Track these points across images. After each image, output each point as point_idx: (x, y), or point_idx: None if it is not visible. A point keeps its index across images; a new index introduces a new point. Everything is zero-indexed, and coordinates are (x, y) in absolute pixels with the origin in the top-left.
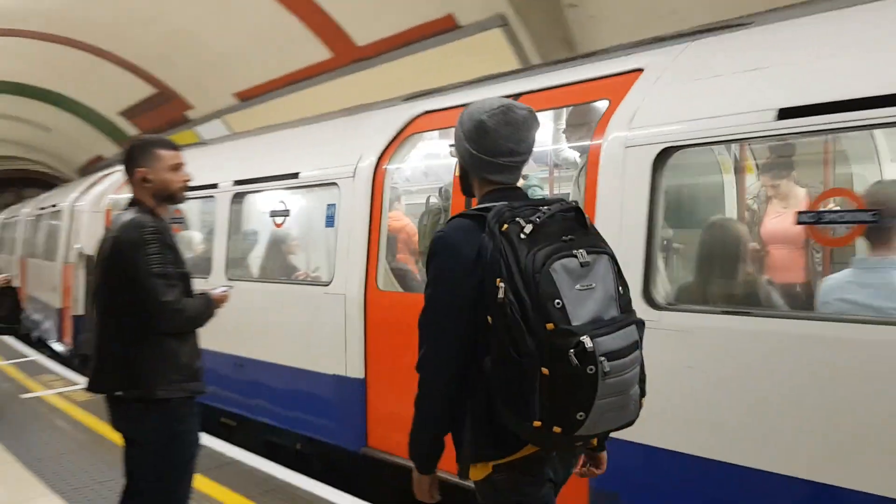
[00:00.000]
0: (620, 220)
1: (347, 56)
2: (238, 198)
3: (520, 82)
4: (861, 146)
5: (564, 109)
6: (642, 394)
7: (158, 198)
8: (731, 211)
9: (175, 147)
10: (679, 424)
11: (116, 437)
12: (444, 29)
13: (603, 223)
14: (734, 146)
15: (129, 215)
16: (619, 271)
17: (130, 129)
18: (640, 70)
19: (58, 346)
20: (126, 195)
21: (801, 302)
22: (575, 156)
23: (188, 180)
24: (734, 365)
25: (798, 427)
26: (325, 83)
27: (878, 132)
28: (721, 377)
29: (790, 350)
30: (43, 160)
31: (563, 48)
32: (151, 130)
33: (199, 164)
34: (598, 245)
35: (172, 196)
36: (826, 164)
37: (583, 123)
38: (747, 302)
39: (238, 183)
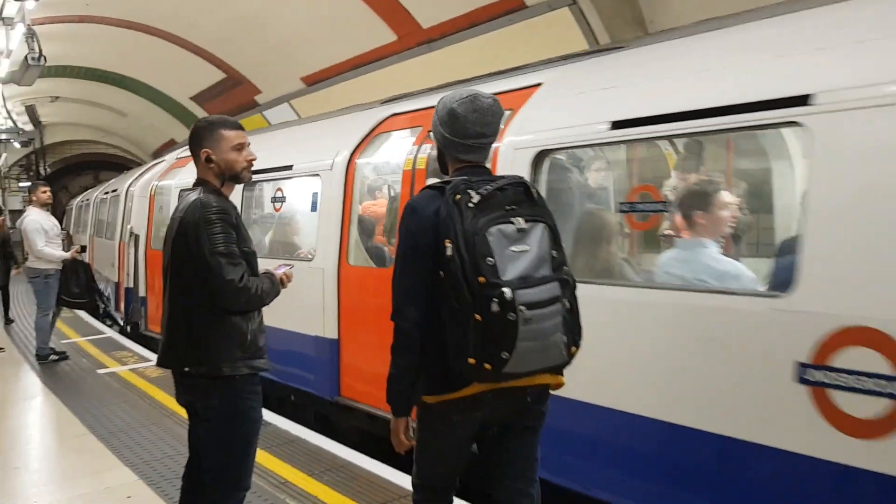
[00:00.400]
0: None
1: (412, 39)
2: (248, 186)
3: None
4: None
5: None
6: (572, 343)
7: (223, 178)
8: (597, 202)
9: (239, 127)
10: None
11: (185, 413)
12: (511, 9)
13: None
14: (594, 149)
15: (194, 195)
16: (555, 238)
17: (201, 114)
18: (539, 84)
19: (116, 315)
20: (172, 180)
21: (642, 275)
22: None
23: (253, 160)
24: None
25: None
26: (390, 66)
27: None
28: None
29: (631, 313)
30: (119, 144)
31: (633, 27)
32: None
33: None
34: (537, 215)
35: (237, 176)
36: (648, 164)
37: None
38: (605, 275)
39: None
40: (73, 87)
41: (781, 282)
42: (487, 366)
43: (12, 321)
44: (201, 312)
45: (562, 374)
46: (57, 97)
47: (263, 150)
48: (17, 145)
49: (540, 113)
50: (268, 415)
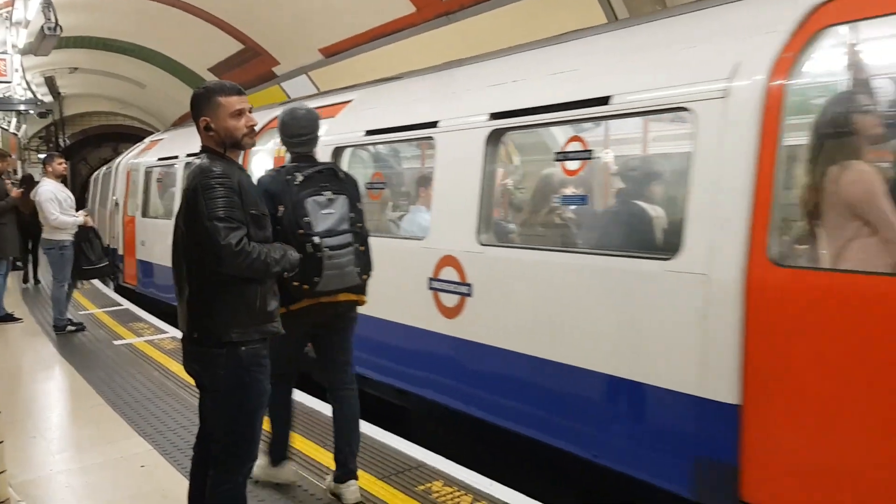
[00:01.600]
0: None
1: (431, 10)
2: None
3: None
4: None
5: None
6: (363, 272)
7: (224, 145)
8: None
9: (238, 92)
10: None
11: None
12: None
13: None
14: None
15: (197, 162)
16: (353, 205)
17: None
18: (350, 101)
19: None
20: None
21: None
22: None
23: (253, 125)
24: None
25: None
26: (409, 38)
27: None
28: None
29: (385, 252)
30: (138, 115)
31: (652, 2)
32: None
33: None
34: (342, 189)
35: (237, 143)
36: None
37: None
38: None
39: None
40: (91, 58)
41: (423, 231)
42: (306, 287)
43: (39, 282)
44: (208, 278)
45: (363, 295)
46: (76, 68)
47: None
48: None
49: (341, 122)
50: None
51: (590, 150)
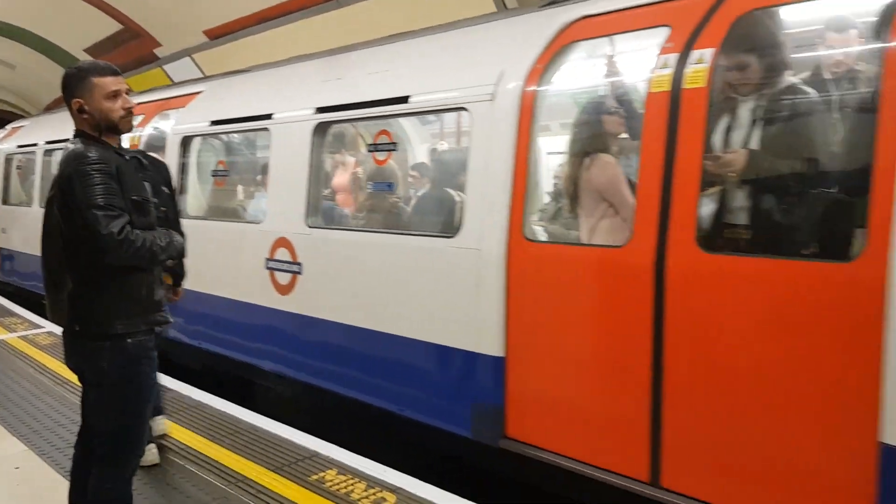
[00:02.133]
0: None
1: None
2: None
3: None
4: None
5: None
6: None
7: (99, 128)
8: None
9: (114, 73)
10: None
11: (77, 379)
12: None
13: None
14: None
15: (70, 147)
16: (155, 189)
17: None
18: (200, 92)
19: None
20: None
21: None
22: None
23: (130, 108)
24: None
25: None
26: (297, 22)
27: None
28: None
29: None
30: (8, 99)
31: None
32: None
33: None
34: (147, 178)
35: (114, 126)
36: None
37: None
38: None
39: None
40: None
41: (262, 215)
42: None
43: None
44: (90, 268)
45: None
46: None
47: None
48: None
49: (190, 112)
50: (167, 380)
51: (395, 143)
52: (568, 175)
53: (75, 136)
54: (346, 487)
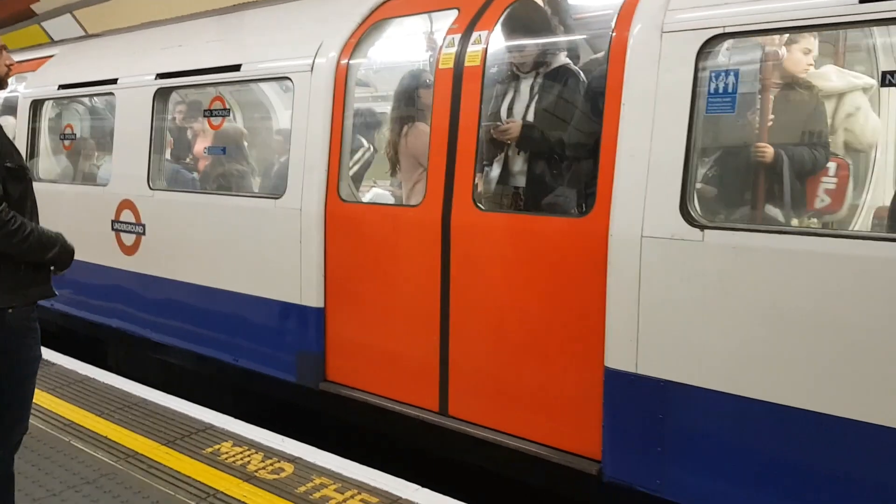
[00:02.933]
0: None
1: None
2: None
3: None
4: None
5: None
6: None
7: None
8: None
9: None
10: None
11: None
12: None
13: None
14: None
15: None
16: None
17: None
18: (52, 55)
19: None
20: None
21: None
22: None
23: (11, 64)
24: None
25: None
26: None
27: None
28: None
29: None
30: None
31: None
32: None
33: None
34: None
35: None
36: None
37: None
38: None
39: None
40: None
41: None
42: None
43: None
44: None
45: None
46: None
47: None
48: None
49: (41, 76)
50: (51, 354)
51: (229, 109)
52: (389, 141)
53: None
54: (242, 459)
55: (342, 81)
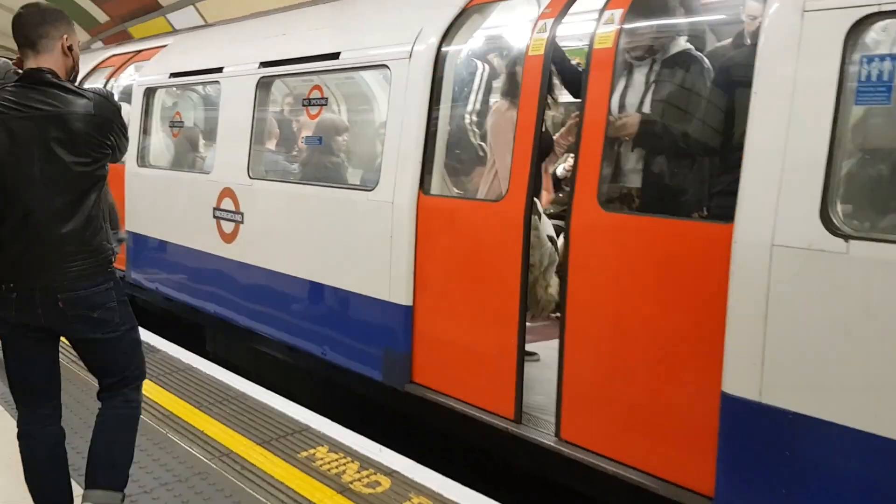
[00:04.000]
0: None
1: None
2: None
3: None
4: None
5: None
6: None
7: (70, 75)
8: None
9: None
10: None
11: None
12: None
13: None
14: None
15: (92, 89)
16: None
17: (101, 15)
18: (165, 45)
19: None
20: None
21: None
22: None
23: (71, 45)
24: None
25: None
26: None
27: None
28: None
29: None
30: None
31: None
32: (120, 17)
33: None
34: None
35: (75, 76)
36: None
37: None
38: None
39: None
40: None
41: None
42: None
43: None
44: None
45: None
46: None
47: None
48: None
49: (155, 64)
50: (156, 340)
51: (326, 98)
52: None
53: (47, 75)
54: (337, 467)
55: (440, 69)
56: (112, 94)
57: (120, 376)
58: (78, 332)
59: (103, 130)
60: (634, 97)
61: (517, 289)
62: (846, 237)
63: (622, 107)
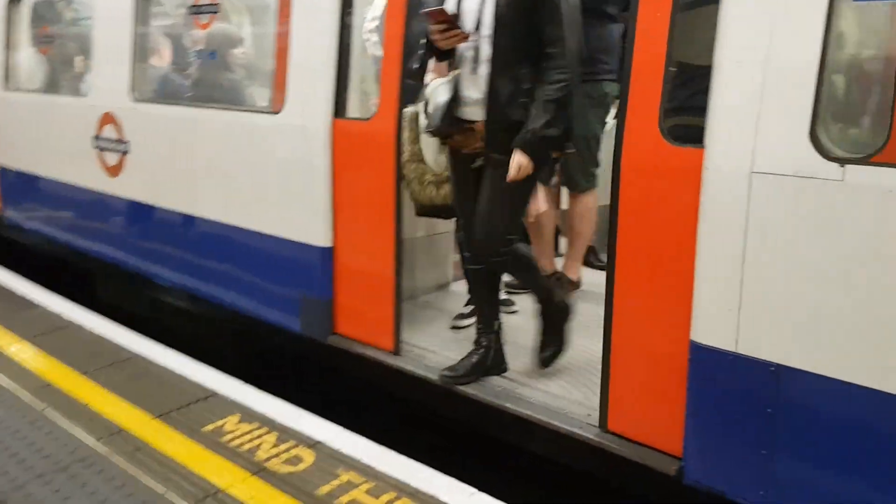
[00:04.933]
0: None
1: None
2: None
3: None
4: None
5: None
6: None
7: None
8: None
9: None
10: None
11: None
12: None
13: None
14: None
15: None
16: None
17: None
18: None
19: None
20: None
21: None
22: None
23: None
24: None
25: None
26: None
27: None
28: None
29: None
30: None
31: None
32: None
33: None
34: None
35: None
36: None
37: None
38: None
39: None
40: None
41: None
42: None
43: None
44: None
45: None
46: None
47: None
48: None
49: None
50: (35, 293)
51: (217, 4)
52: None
53: None
54: (250, 441)
55: None
56: None
57: None
58: None
59: None
60: None
61: (391, 215)
62: (841, 161)
63: None
